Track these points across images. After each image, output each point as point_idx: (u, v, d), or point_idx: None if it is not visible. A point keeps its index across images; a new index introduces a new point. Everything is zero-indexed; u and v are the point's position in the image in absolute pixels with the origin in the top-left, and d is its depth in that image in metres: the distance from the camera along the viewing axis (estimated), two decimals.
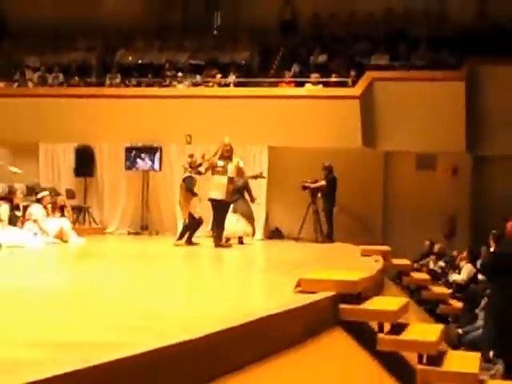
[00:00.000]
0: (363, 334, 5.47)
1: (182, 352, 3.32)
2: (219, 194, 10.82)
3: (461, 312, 9.16)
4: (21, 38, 17.05)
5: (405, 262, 10.30)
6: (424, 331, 5.62)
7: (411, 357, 5.51)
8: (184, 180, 11.51)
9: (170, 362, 3.23)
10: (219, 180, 10.90)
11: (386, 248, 10.00)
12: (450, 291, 10.01)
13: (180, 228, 14.26)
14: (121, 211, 14.80)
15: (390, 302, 6.01)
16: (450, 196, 14.24)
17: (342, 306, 5.42)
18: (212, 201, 10.98)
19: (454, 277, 10.66)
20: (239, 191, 11.94)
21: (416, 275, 10.08)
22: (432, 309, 9.62)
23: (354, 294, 5.55)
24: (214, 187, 10.91)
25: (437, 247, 12.63)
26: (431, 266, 12.08)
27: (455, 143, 13.69)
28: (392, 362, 5.41)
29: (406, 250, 12.22)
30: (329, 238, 13.12)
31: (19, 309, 4.82)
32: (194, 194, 11.32)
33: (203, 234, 13.20)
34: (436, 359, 5.27)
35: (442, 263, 11.96)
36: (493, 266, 7.67)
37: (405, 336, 5.31)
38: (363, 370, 5.21)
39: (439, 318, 9.19)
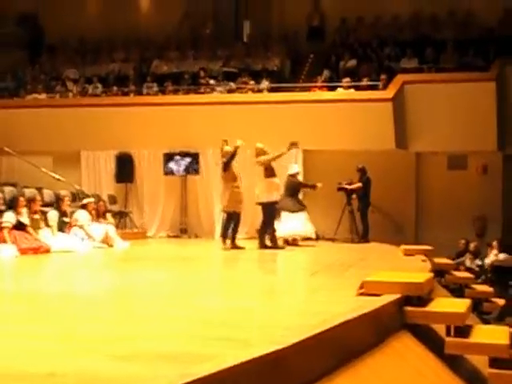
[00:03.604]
0: (429, 337, 5.55)
1: (268, 362, 3.34)
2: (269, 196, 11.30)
3: (504, 309, 9.46)
4: (58, 50, 17.64)
5: (446, 261, 10.54)
6: (491, 333, 5.65)
7: (479, 359, 5.54)
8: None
9: (257, 373, 3.25)
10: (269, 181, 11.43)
11: (428, 247, 10.28)
12: (491, 289, 10.29)
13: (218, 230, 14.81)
14: (160, 215, 15.26)
15: (454, 304, 6.06)
16: (481, 195, 14.52)
17: (408, 308, 5.45)
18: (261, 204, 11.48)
19: None
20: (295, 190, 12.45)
21: (459, 274, 10.31)
22: (475, 307, 9.88)
23: (417, 296, 5.60)
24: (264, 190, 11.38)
25: (472, 246, 12.87)
26: (468, 264, 12.37)
27: (486, 143, 13.98)
28: (460, 365, 5.49)
29: (438, 248, 12.52)
30: (364, 238, 13.46)
31: (90, 316, 4.83)
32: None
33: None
34: (508, 362, 5.21)
35: (478, 261, 12.25)
36: None
37: (473, 339, 5.33)
38: (434, 374, 5.26)
39: (483, 316, 9.49)
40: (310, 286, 6.92)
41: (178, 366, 3.14)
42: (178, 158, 15.05)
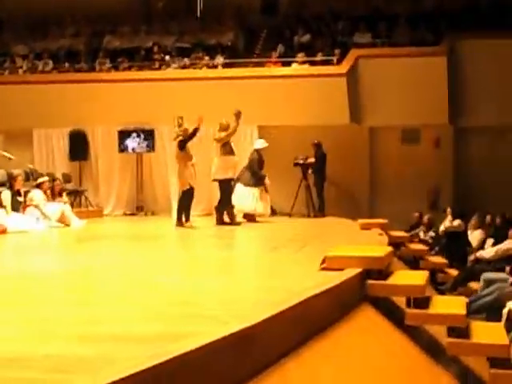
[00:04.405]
0: (389, 309, 5.72)
1: (240, 339, 3.36)
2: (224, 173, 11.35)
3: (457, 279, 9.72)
4: (5, 26, 17.17)
5: (402, 233, 10.75)
6: (449, 304, 5.86)
7: (437, 329, 5.74)
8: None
9: (229, 350, 3.25)
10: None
11: (383, 221, 10.45)
12: (445, 260, 10.54)
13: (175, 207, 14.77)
14: (116, 193, 15.14)
15: (414, 276, 6.25)
16: (433, 167, 14.77)
17: (370, 282, 5.60)
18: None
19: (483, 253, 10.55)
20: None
21: (414, 246, 10.53)
22: (430, 278, 10.07)
23: (377, 270, 5.75)
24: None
25: (425, 218, 13.10)
26: (421, 236, 12.60)
27: (438, 116, 14.21)
28: (419, 335, 5.67)
29: (391, 221, 12.71)
30: (320, 212, 13.62)
31: (51, 298, 4.76)
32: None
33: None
34: (465, 331, 5.44)
35: (432, 233, 12.50)
36: None
37: (432, 310, 5.50)
38: (395, 345, 5.41)
39: (438, 287, 9.73)
40: (272, 261, 6.97)
41: (151, 345, 3.13)
42: (133, 135, 14.90)
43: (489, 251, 10.07)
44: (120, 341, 3.34)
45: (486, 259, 9.74)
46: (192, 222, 11.08)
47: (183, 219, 11.04)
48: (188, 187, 11.10)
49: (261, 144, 12.77)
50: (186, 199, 11.15)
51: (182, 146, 11.11)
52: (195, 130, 11.07)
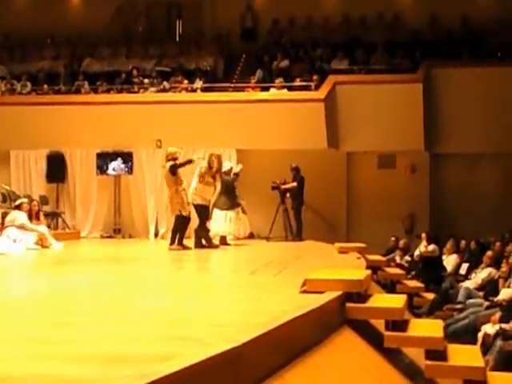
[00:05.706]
0: (368, 332, 5.77)
1: (226, 360, 3.40)
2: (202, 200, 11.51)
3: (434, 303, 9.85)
4: None
5: (379, 257, 10.87)
6: (426, 327, 5.94)
7: (415, 352, 5.82)
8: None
9: (215, 370, 3.30)
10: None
11: (361, 245, 10.56)
12: (422, 284, 10.68)
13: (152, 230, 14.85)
14: (93, 216, 15.07)
15: (392, 299, 6.35)
16: (409, 193, 14.96)
17: (349, 304, 5.66)
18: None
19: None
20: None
21: (391, 270, 10.66)
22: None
23: (356, 293, 5.80)
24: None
25: (402, 242, 13.26)
26: (398, 260, 12.74)
27: (414, 142, 14.43)
28: (397, 357, 5.75)
29: (368, 245, 12.82)
30: (298, 236, 13.67)
31: (38, 320, 4.75)
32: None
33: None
34: (442, 354, 5.51)
35: (408, 257, 12.65)
36: None
37: (410, 332, 5.57)
38: (374, 368, 5.45)
39: (414, 310, 9.84)
40: (252, 284, 6.99)
41: (137, 366, 3.14)
42: (111, 157, 14.91)
43: (473, 282, 10.24)
44: (107, 361, 3.35)
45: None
46: (180, 247, 11.12)
47: (175, 242, 11.16)
48: (180, 214, 11.17)
49: (227, 167, 12.70)
50: (181, 224, 11.22)
51: (174, 171, 11.18)
52: (188, 162, 11.33)
